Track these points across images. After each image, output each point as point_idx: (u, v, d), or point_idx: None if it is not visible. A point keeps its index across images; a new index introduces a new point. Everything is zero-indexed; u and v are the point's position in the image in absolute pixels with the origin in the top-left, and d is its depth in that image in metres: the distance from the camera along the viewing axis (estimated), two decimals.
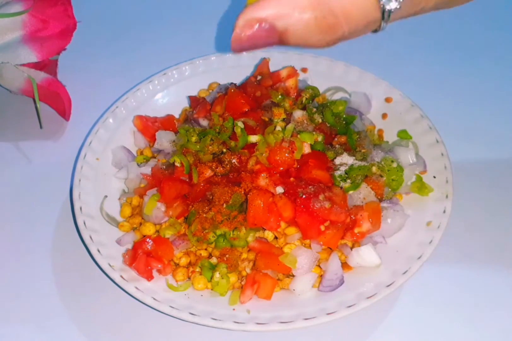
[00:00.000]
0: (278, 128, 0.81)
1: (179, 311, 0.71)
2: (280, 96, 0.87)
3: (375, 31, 0.52)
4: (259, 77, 0.92)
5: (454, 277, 0.80)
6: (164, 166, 0.83)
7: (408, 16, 0.51)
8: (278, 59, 0.96)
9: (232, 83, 0.93)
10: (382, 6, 0.48)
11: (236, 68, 0.99)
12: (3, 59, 0.93)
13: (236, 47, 0.49)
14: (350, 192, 0.79)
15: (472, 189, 0.88)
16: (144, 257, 0.75)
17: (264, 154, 0.79)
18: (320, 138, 0.83)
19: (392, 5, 0.47)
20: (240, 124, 0.81)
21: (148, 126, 0.91)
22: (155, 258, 0.76)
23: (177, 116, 0.96)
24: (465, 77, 1.04)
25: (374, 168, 0.81)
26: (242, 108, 0.86)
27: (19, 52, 0.94)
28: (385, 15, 0.48)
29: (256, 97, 0.88)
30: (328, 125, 0.86)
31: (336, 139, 0.85)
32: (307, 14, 0.47)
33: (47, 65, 1.01)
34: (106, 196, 0.85)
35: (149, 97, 0.96)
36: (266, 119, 0.85)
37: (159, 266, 0.76)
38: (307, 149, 0.80)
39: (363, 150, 0.84)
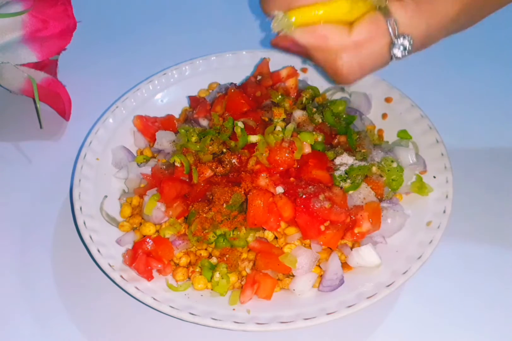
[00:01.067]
0: (278, 128, 0.81)
1: (179, 311, 0.70)
2: (280, 96, 0.87)
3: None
4: (259, 77, 0.92)
5: (454, 277, 0.80)
6: (164, 166, 0.83)
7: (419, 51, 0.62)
8: (278, 59, 0.96)
9: (232, 83, 0.93)
10: (393, 56, 0.60)
11: (236, 68, 0.99)
12: (3, 59, 0.93)
13: (274, 45, 0.64)
14: (350, 192, 0.79)
15: (472, 189, 0.88)
16: (144, 257, 0.75)
17: (264, 154, 0.79)
18: (320, 138, 0.83)
19: (400, 54, 0.60)
20: (240, 124, 0.81)
21: (148, 126, 0.91)
22: (155, 258, 0.76)
23: (177, 116, 0.95)
24: (465, 77, 1.04)
25: (374, 169, 0.81)
26: (242, 108, 0.86)
27: (19, 52, 0.94)
28: (393, 59, 0.61)
29: (256, 97, 0.88)
30: (328, 125, 0.86)
31: (336, 139, 0.85)
32: (332, 60, 0.60)
33: (47, 65, 1.01)
34: (106, 196, 0.85)
35: (149, 97, 0.96)
36: (266, 119, 0.85)
37: (159, 266, 0.76)
38: (307, 149, 0.80)
39: (363, 150, 0.84)
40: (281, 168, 0.79)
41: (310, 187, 0.76)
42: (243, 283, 0.76)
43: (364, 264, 0.75)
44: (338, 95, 0.96)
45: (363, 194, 0.79)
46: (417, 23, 0.57)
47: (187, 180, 0.81)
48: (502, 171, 0.91)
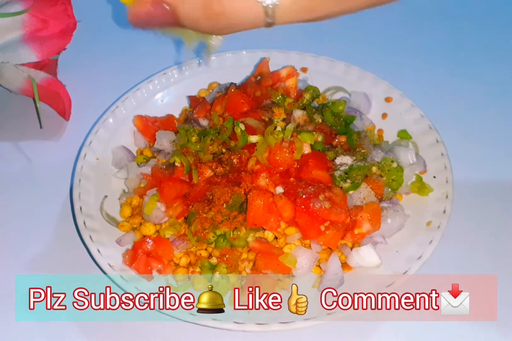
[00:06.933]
0: (278, 128, 0.81)
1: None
2: (280, 96, 0.87)
3: (268, 26, 0.55)
4: (259, 77, 0.92)
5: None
6: (164, 166, 0.83)
7: (304, 21, 0.54)
8: (278, 59, 0.96)
9: (232, 83, 0.93)
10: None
11: (236, 68, 0.99)
12: (3, 59, 0.93)
13: (133, 21, 0.57)
14: (350, 192, 0.79)
15: (472, 188, 0.88)
16: (144, 257, 0.75)
17: (264, 155, 0.79)
18: (320, 138, 0.83)
19: (269, 1, 0.51)
20: (241, 126, 0.81)
21: (148, 126, 0.91)
22: (155, 258, 0.76)
23: (177, 116, 0.95)
24: (465, 77, 1.04)
25: (374, 169, 0.81)
26: (242, 108, 0.86)
27: (19, 52, 0.94)
28: (268, 11, 0.52)
29: (256, 97, 0.88)
30: (328, 125, 0.86)
31: (336, 139, 0.85)
32: None
33: (47, 65, 1.01)
34: (106, 196, 0.85)
35: (149, 97, 0.96)
36: (266, 119, 0.85)
37: (159, 266, 0.76)
38: (307, 150, 0.80)
39: (363, 151, 0.84)
40: (281, 168, 0.79)
41: (310, 187, 0.76)
42: (243, 283, 0.76)
43: (364, 264, 0.75)
44: (338, 95, 0.96)
45: (363, 194, 0.79)
46: None
47: (187, 180, 0.81)
48: (502, 170, 0.91)
